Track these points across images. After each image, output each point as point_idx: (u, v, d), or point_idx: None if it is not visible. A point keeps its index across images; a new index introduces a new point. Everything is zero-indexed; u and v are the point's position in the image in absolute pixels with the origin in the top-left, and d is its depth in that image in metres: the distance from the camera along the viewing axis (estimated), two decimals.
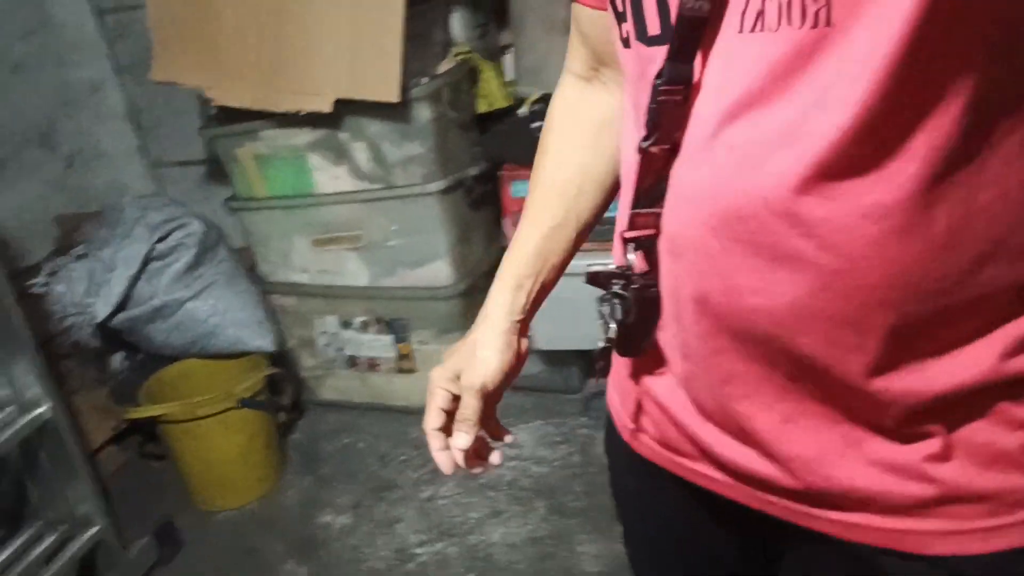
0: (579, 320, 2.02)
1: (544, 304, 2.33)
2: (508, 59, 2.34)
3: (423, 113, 1.92)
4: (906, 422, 0.55)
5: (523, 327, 0.77)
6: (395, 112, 1.90)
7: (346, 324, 2.21)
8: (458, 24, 2.22)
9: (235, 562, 1.88)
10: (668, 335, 0.63)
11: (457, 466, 0.72)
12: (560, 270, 0.77)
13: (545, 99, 1.97)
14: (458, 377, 0.75)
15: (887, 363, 0.52)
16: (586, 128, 0.75)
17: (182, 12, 1.90)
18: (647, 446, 0.73)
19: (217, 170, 2.43)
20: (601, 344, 0.67)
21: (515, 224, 2.14)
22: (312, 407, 2.35)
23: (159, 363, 2.07)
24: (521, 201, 1.89)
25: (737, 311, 0.55)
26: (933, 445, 0.55)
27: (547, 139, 0.77)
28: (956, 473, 0.55)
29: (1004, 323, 0.52)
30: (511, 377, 0.76)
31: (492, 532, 1.85)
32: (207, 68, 1.91)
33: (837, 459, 0.57)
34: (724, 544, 0.75)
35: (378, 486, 2.04)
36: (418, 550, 1.83)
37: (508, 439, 0.78)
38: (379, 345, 2.21)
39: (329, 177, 2.04)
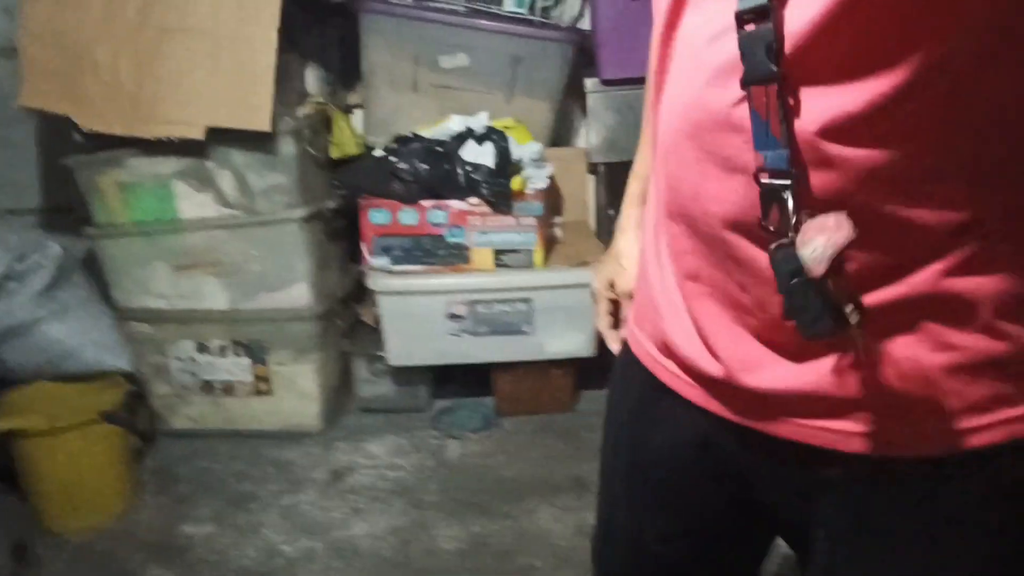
0: (429, 336, 2.26)
1: (395, 322, 2.61)
2: (358, 115, 2.60)
3: (288, 147, 2.12)
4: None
5: None
6: (262, 144, 2.08)
7: (203, 348, 2.29)
8: (311, 79, 2.46)
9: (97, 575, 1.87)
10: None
11: None
12: None
13: (399, 140, 2.23)
14: (612, 284, 0.91)
15: None
16: None
17: (53, 41, 2.00)
18: (640, 345, 0.80)
19: (52, 219, 2.48)
20: None
21: (372, 250, 2.39)
22: (163, 438, 2.37)
23: (10, 384, 2.05)
24: (378, 228, 2.12)
25: (702, 215, 0.62)
26: (850, 356, 0.59)
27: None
28: (873, 380, 0.59)
29: (945, 247, 0.55)
30: None
31: (355, 527, 1.97)
32: (76, 96, 2.01)
33: (762, 364, 0.64)
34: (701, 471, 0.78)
35: (238, 498, 2.10)
36: (284, 547, 1.91)
37: None
38: (236, 368, 2.30)
39: (193, 204, 2.16)
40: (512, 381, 2.38)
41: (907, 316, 0.57)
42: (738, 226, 0.60)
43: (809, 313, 0.53)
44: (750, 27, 0.53)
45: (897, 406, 0.59)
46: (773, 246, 0.55)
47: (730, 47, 0.55)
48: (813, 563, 0.71)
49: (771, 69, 0.53)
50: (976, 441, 0.59)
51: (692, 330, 0.69)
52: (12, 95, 2.06)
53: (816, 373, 0.61)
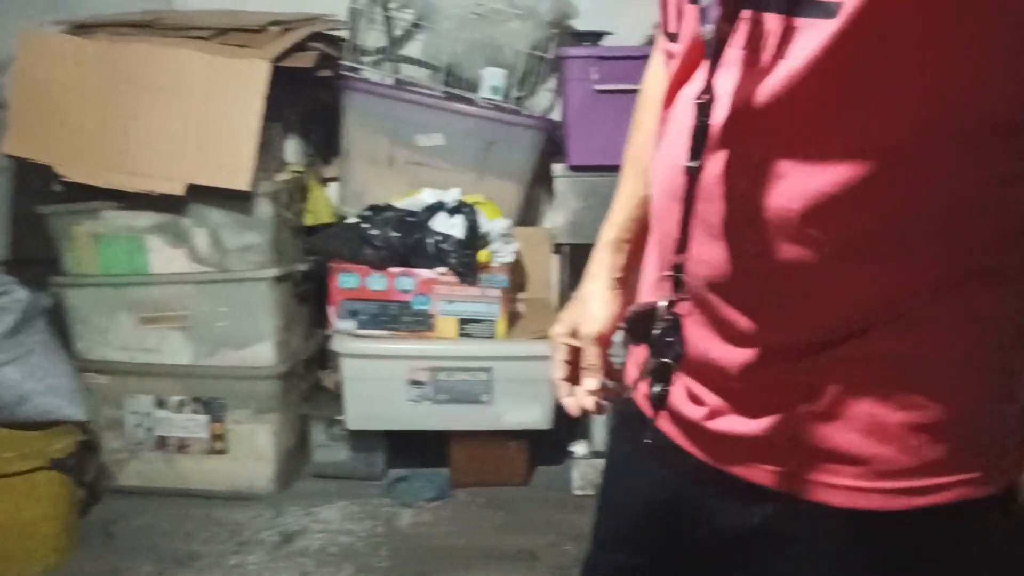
0: (389, 401, 2.28)
1: (356, 385, 2.63)
2: (333, 187, 2.69)
3: (265, 208, 2.19)
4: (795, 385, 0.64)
5: (622, 283, 0.85)
6: (239, 204, 2.15)
7: (161, 403, 2.28)
8: (291, 149, 2.55)
9: None
10: None
11: (582, 408, 0.84)
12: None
13: (373, 208, 2.31)
14: (575, 332, 0.85)
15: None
16: None
17: (41, 92, 2.07)
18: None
19: (18, 269, 2.47)
20: None
21: (339, 313, 2.46)
22: (110, 494, 2.32)
23: None
24: (346, 291, 2.18)
25: (690, 276, 0.65)
26: (823, 402, 0.62)
27: (640, 114, 0.85)
28: (832, 433, 0.62)
29: (907, 310, 0.59)
30: (615, 326, 0.83)
31: None
32: (60, 146, 2.07)
33: (726, 413, 0.68)
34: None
35: (182, 557, 2.06)
36: None
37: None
38: (193, 425, 2.29)
39: (164, 259, 2.20)
40: (469, 451, 2.39)
41: (869, 373, 0.60)
42: (717, 287, 0.64)
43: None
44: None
45: (852, 459, 0.62)
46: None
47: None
48: None
49: (688, 163, 0.59)
50: (926, 500, 0.61)
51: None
52: None
53: (771, 423, 0.65)
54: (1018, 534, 0.66)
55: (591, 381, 0.82)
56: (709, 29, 0.57)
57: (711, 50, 0.57)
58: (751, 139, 0.58)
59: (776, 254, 0.59)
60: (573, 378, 0.86)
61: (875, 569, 0.65)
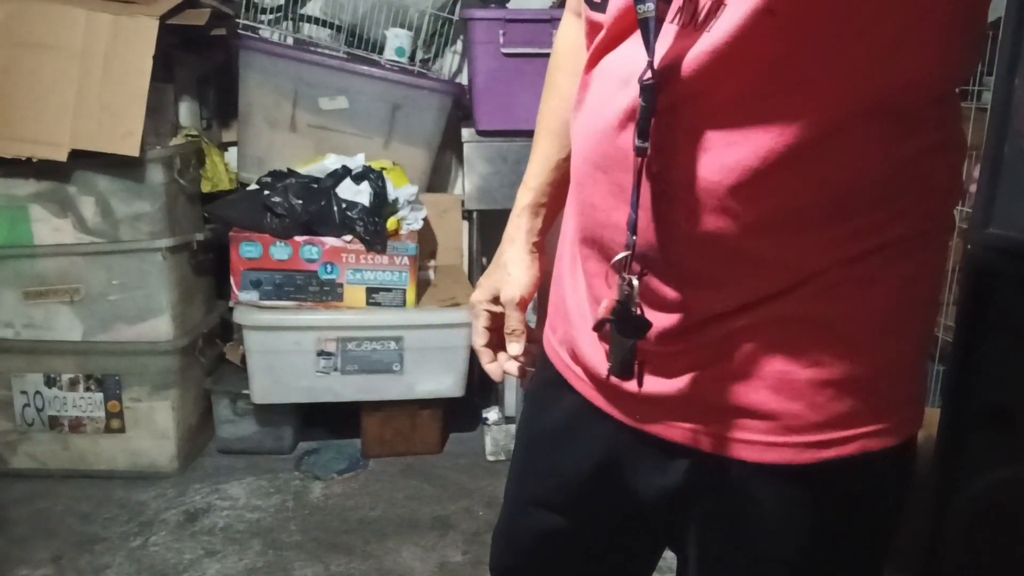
0: (297, 374, 2.23)
1: (261, 358, 2.55)
2: (232, 153, 2.58)
3: (156, 175, 2.08)
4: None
5: (540, 246, 0.86)
6: (129, 170, 2.04)
7: (51, 382, 2.16)
8: (185, 113, 2.43)
9: None
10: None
11: (505, 373, 0.86)
12: (566, 196, 0.84)
13: (273, 175, 2.23)
14: (496, 297, 0.85)
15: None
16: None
17: None
18: (551, 346, 0.83)
19: None
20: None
21: (239, 284, 2.38)
22: (0, 479, 2.20)
23: None
24: (248, 261, 2.10)
25: (611, 243, 0.66)
26: (735, 362, 0.64)
27: (554, 77, 0.85)
28: (743, 390, 0.64)
29: (814, 274, 0.61)
30: (535, 289, 0.85)
31: (208, 569, 1.89)
32: None
33: (645, 374, 0.69)
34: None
35: (81, 540, 1.97)
36: None
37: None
38: (87, 403, 2.18)
39: (50, 229, 2.07)
40: (380, 422, 2.37)
41: (782, 333, 0.62)
42: (640, 257, 0.64)
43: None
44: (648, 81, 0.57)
45: (762, 415, 0.64)
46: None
47: (634, 93, 0.58)
48: (681, 562, 0.76)
49: (637, 144, 0.58)
50: (832, 453, 0.64)
51: (597, 343, 0.74)
52: None
53: (686, 382, 0.66)
54: (912, 482, 0.70)
55: (515, 346, 0.83)
56: (649, 8, 0.56)
57: (647, 28, 0.57)
58: (680, 112, 0.58)
59: (701, 225, 0.60)
60: (495, 344, 0.87)
61: (788, 522, 0.67)
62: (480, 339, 0.88)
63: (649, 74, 0.56)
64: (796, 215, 0.59)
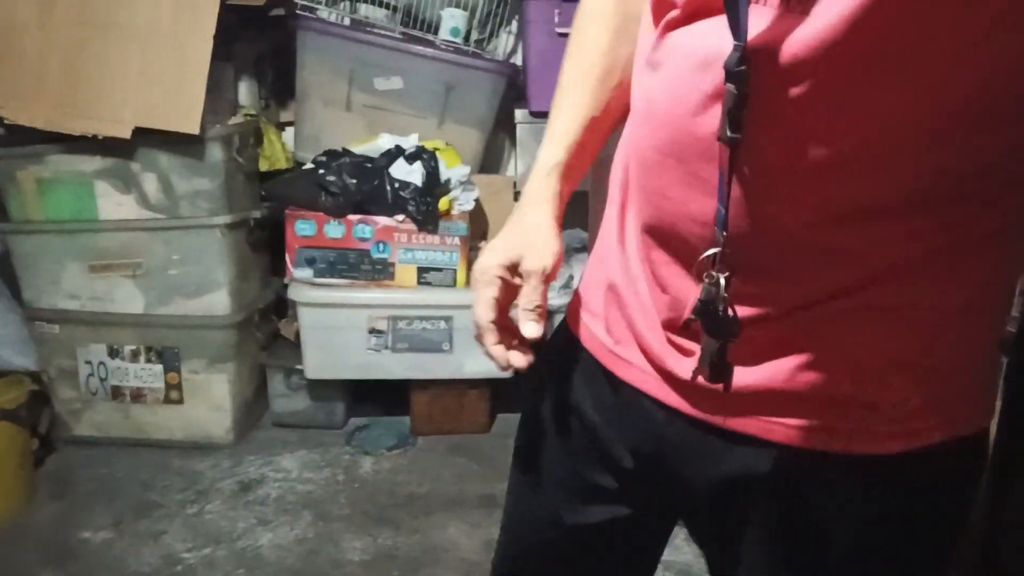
0: (349, 350, 2.26)
1: (315, 335, 2.56)
2: (289, 132, 2.62)
3: (216, 153, 2.12)
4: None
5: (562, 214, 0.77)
6: (190, 148, 2.08)
7: (114, 353, 2.23)
8: (244, 92, 2.48)
9: None
10: None
11: (508, 361, 0.72)
12: (594, 158, 0.78)
13: (328, 154, 2.26)
14: (514, 265, 0.72)
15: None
16: (628, 16, 0.74)
17: None
18: (593, 337, 0.77)
19: None
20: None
21: (294, 261, 2.38)
22: (64, 445, 2.29)
23: None
24: (303, 239, 2.14)
25: (687, 234, 0.64)
26: (816, 353, 0.62)
27: (589, 32, 0.78)
28: (827, 380, 0.62)
29: (895, 268, 0.59)
30: (560, 264, 0.73)
31: (260, 537, 1.94)
32: (2, 87, 1.98)
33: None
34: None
35: (139, 505, 2.04)
36: (185, 555, 1.87)
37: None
38: (147, 375, 2.25)
39: (114, 204, 2.13)
40: (429, 400, 2.39)
41: (859, 324, 0.61)
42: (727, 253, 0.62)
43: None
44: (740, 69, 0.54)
45: (840, 405, 0.62)
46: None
47: (719, 78, 0.55)
48: (743, 561, 0.72)
49: (728, 135, 0.55)
50: (912, 444, 0.63)
51: (656, 330, 0.70)
52: None
53: (769, 372, 0.64)
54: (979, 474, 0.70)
55: (534, 326, 0.70)
56: None
57: (735, 9, 0.54)
58: (772, 100, 0.55)
59: (793, 219, 0.58)
60: (503, 322, 0.72)
61: (869, 513, 0.66)
62: (489, 312, 0.70)
63: (739, 59, 0.53)
64: (888, 207, 0.57)
